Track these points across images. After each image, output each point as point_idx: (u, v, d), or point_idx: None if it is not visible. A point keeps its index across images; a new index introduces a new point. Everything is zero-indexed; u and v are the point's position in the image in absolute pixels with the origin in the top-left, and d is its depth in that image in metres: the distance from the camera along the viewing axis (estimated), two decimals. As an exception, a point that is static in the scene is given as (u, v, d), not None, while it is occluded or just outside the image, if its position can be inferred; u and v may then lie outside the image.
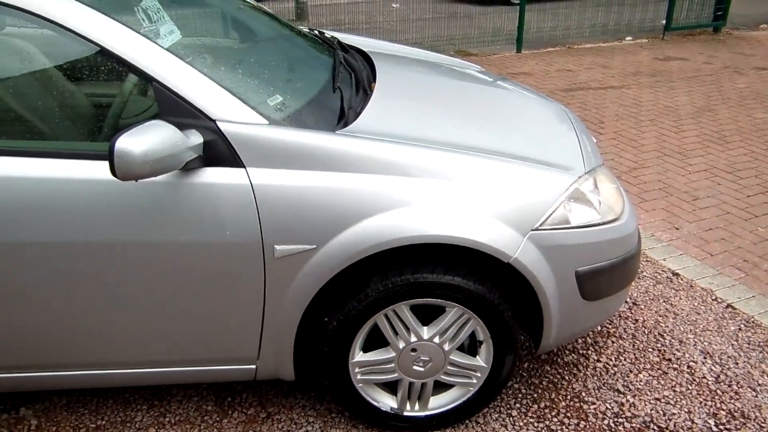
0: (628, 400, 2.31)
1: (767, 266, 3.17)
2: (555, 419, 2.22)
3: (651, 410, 2.26)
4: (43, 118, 1.80)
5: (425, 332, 1.97)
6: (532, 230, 1.86)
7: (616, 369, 2.46)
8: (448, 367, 2.04)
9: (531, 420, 2.21)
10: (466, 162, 1.88)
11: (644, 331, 2.68)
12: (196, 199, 1.71)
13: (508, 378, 2.09)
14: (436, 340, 1.97)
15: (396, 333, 1.96)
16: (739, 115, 5.51)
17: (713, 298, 2.91)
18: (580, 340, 2.63)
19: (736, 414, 2.25)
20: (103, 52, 1.68)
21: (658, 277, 3.08)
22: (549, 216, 1.88)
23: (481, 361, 2.04)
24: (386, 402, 2.10)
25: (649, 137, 4.99)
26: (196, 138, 1.67)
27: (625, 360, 2.51)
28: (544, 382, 2.40)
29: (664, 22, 8.90)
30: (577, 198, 1.95)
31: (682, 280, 3.06)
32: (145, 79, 1.69)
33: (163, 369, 1.96)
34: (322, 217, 1.75)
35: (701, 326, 2.71)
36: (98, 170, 1.69)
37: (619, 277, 2.06)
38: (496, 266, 1.96)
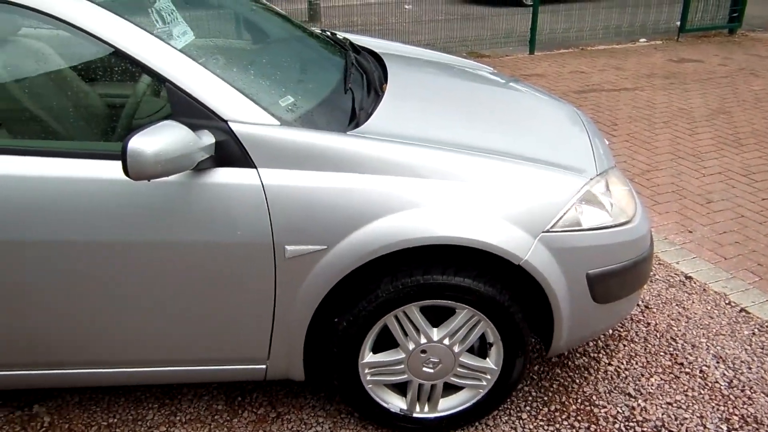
0: (639, 404, 2.29)
1: (782, 270, 3.14)
2: (565, 422, 2.21)
3: (663, 415, 2.24)
4: (57, 118, 1.82)
5: (435, 334, 1.96)
6: (543, 232, 1.85)
7: (627, 373, 2.45)
8: (458, 369, 2.03)
9: (541, 423, 2.20)
10: (477, 163, 1.87)
11: (656, 335, 2.66)
12: (207, 199, 1.72)
13: (518, 380, 2.08)
14: (446, 341, 1.97)
15: (406, 334, 1.96)
16: (754, 118, 5.46)
17: (726, 302, 2.89)
18: (591, 343, 2.61)
19: (749, 419, 2.22)
20: (117, 53, 1.70)
21: (671, 280, 3.06)
22: (560, 218, 1.87)
23: (491, 363, 2.04)
24: (396, 403, 2.10)
25: (662, 139, 4.96)
26: (208, 138, 1.68)
27: (636, 364, 2.49)
28: (554, 385, 2.38)
29: (678, 23, 8.84)
30: (589, 200, 1.95)
31: (695, 283, 3.03)
32: (158, 79, 1.70)
33: (174, 368, 1.97)
34: (333, 217, 1.75)
35: (714, 330, 2.69)
36: (111, 170, 1.71)
37: (630, 280, 2.05)
38: (506, 268, 1.96)
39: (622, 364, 2.49)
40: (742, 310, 2.83)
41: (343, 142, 1.79)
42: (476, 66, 3.17)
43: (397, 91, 2.31)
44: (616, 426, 2.19)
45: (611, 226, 1.96)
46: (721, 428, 2.19)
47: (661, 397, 2.32)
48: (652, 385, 2.38)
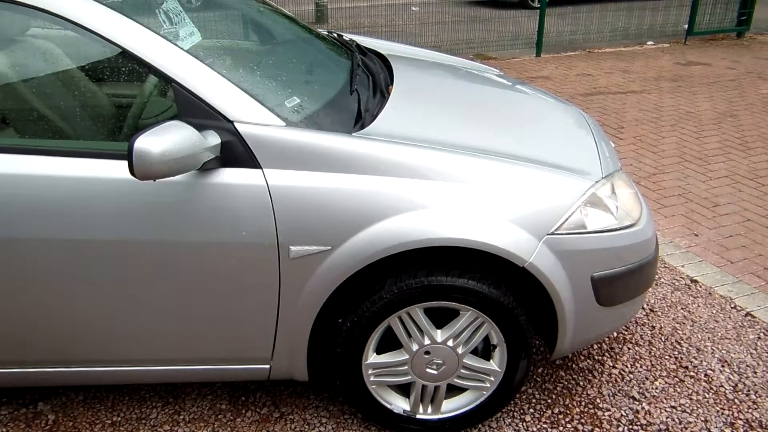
0: (643, 408, 2.28)
1: (788, 275, 3.12)
2: (569, 425, 2.20)
3: (667, 418, 2.24)
4: (65, 118, 1.83)
5: (439, 335, 1.96)
6: (548, 234, 1.85)
7: (631, 376, 2.44)
8: (462, 371, 2.03)
9: (544, 425, 2.20)
10: (482, 165, 1.87)
11: (661, 338, 2.65)
12: (213, 199, 1.73)
13: (521, 383, 2.08)
14: (450, 343, 1.97)
15: (409, 335, 1.96)
16: (762, 122, 5.44)
17: (732, 305, 2.87)
18: (595, 346, 2.61)
19: (753, 424, 2.21)
20: (124, 54, 1.71)
21: (676, 283, 3.05)
22: (565, 220, 1.87)
23: (495, 365, 2.04)
24: (399, 404, 2.10)
25: (669, 143, 4.94)
26: (213, 139, 1.69)
27: (641, 367, 2.49)
28: (558, 388, 2.38)
29: (686, 26, 8.81)
30: (594, 203, 1.94)
31: (700, 287, 3.02)
32: (165, 80, 1.71)
33: (178, 367, 1.98)
34: (338, 218, 1.76)
35: (719, 334, 2.68)
36: (118, 170, 1.72)
37: (635, 283, 2.05)
38: (511, 270, 1.96)
39: (627, 367, 2.49)
40: (747, 314, 2.81)
41: (348, 143, 1.79)
42: (482, 68, 3.17)
43: (403, 93, 2.32)
44: (620, 429, 2.19)
45: (616, 229, 1.96)
46: (725, 432, 2.18)
47: (665, 401, 2.32)
48: (656, 388, 2.38)
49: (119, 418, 2.20)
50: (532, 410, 2.27)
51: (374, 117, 2.04)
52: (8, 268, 1.74)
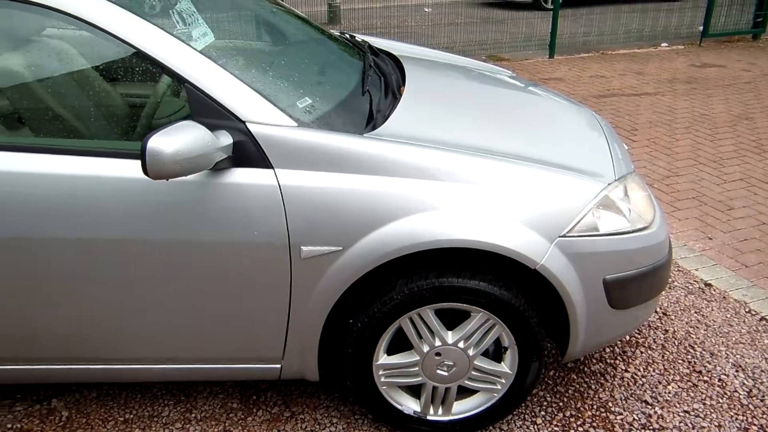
0: (656, 412, 2.26)
1: (804, 279, 3.09)
2: (580, 429, 2.19)
3: (680, 423, 2.22)
4: (79, 117, 1.84)
5: (450, 337, 1.96)
6: (560, 237, 1.84)
7: (644, 380, 2.42)
8: (473, 373, 2.03)
9: (556, 429, 2.19)
10: (494, 167, 1.87)
11: (674, 342, 2.63)
12: (224, 199, 1.73)
13: (533, 385, 2.07)
14: (461, 344, 1.97)
15: (420, 336, 1.96)
16: (777, 124, 5.39)
17: (747, 310, 2.85)
18: (607, 349, 2.59)
19: (767, 430, 2.19)
20: (138, 54, 1.72)
21: (690, 287, 3.03)
22: (577, 223, 1.86)
23: (506, 367, 2.03)
24: (409, 405, 2.10)
25: (683, 145, 4.90)
26: (226, 139, 1.70)
27: (653, 371, 2.47)
28: (570, 391, 2.37)
29: (701, 28, 8.74)
30: (607, 205, 1.93)
31: (714, 291, 2.99)
32: (178, 80, 1.72)
33: (190, 366, 1.99)
34: (349, 219, 1.76)
35: (734, 338, 2.65)
36: (131, 169, 1.73)
37: (648, 287, 2.03)
38: (522, 272, 1.95)
39: (639, 370, 2.47)
40: (762, 318, 2.78)
41: (360, 144, 1.80)
42: (495, 69, 3.16)
43: (415, 94, 2.32)
44: (632, 433, 2.17)
45: (629, 232, 1.95)
46: (739, 438, 2.16)
47: (678, 405, 2.29)
48: (669, 392, 2.36)
49: (132, 416, 2.21)
50: (543, 413, 2.26)
51: (386, 118, 2.04)
52: (22, 266, 1.76)
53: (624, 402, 2.31)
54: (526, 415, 2.24)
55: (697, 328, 2.72)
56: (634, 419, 2.23)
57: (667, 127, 5.32)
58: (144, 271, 1.79)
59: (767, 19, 8.90)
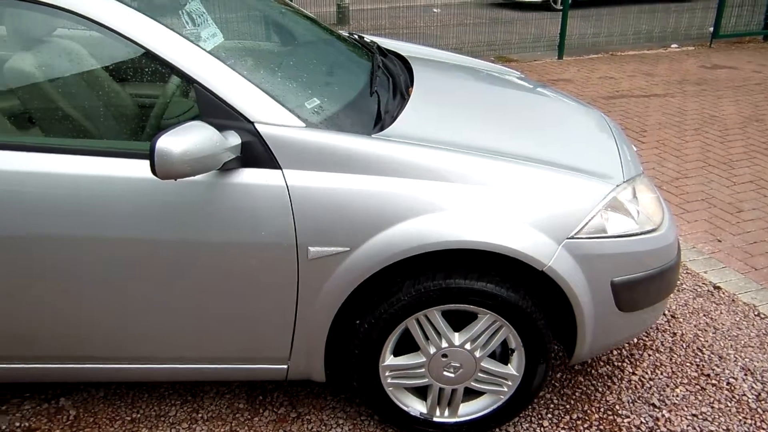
0: (663, 415, 2.25)
1: (815, 282, 3.06)
2: (587, 431, 2.18)
3: (687, 426, 2.20)
4: (88, 117, 1.86)
5: (456, 338, 1.96)
6: (568, 238, 1.84)
7: (652, 383, 2.41)
8: (479, 374, 2.02)
9: (563, 431, 2.18)
10: (502, 168, 1.86)
11: (682, 345, 2.62)
12: (232, 199, 1.74)
13: (539, 387, 2.06)
14: (468, 346, 1.96)
15: (427, 338, 1.96)
16: (788, 126, 5.35)
17: (756, 313, 2.83)
18: (615, 352, 2.58)
19: (777, 434, 2.18)
20: (147, 54, 1.73)
21: (699, 290, 3.01)
22: (585, 224, 1.86)
23: (513, 369, 2.02)
24: (416, 407, 2.10)
25: (692, 147, 4.88)
26: (234, 139, 1.70)
27: (661, 374, 2.45)
28: (577, 393, 2.36)
29: (711, 29, 8.69)
30: (615, 207, 1.92)
31: (723, 293, 2.97)
32: (187, 80, 1.73)
33: (197, 366, 2.00)
34: (356, 219, 1.76)
35: (743, 342, 2.63)
36: (140, 169, 1.74)
37: (656, 289, 2.02)
38: (530, 274, 1.94)
39: (647, 373, 2.46)
40: (772, 322, 2.77)
41: (368, 144, 1.80)
42: (504, 70, 3.16)
43: (423, 95, 2.31)
44: (640, 436, 2.16)
45: (637, 234, 1.94)
46: (748, 442, 2.14)
47: (686, 409, 2.28)
48: (677, 396, 2.34)
49: (139, 415, 2.22)
50: (550, 415, 2.25)
51: (394, 119, 2.04)
52: (31, 265, 1.77)
53: (631, 405, 2.30)
54: (533, 418, 2.24)
55: (706, 331, 2.71)
56: (641, 422, 2.22)
57: (677, 128, 5.29)
58: (152, 271, 1.79)
59: (778, 20, 8.85)
